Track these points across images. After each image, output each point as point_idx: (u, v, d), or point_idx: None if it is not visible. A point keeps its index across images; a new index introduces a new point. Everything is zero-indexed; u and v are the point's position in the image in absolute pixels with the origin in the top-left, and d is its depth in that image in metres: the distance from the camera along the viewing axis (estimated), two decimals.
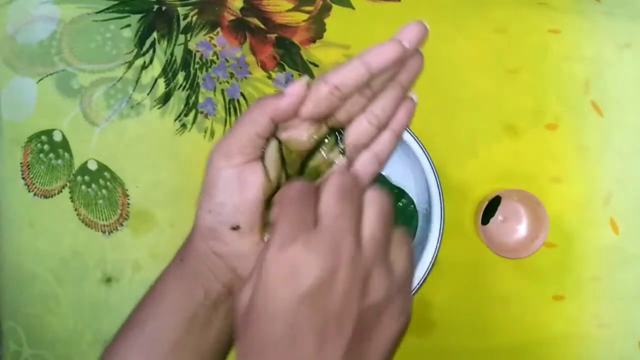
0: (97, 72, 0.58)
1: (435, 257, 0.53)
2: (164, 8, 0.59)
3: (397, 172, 0.57)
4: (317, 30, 0.59)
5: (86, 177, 0.58)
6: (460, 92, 0.59)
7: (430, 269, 0.53)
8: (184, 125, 0.59)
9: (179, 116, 0.59)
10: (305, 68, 0.59)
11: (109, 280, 0.58)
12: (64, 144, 0.58)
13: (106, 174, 0.58)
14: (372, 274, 0.26)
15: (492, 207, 0.58)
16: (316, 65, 0.59)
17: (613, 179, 0.60)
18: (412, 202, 0.57)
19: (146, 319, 0.31)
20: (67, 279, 0.58)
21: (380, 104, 0.30)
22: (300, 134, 0.30)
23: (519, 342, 0.59)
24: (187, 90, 0.59)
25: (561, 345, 0.59)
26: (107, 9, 0.59)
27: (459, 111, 0.59)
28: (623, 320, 0.59)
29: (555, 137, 0.60)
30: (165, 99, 0.59)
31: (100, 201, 0.58)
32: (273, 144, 0.30)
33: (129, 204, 0.58)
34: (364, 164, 0.31)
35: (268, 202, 0.30)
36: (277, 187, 0.31)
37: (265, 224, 0.30)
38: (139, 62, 0.59)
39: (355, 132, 0.31)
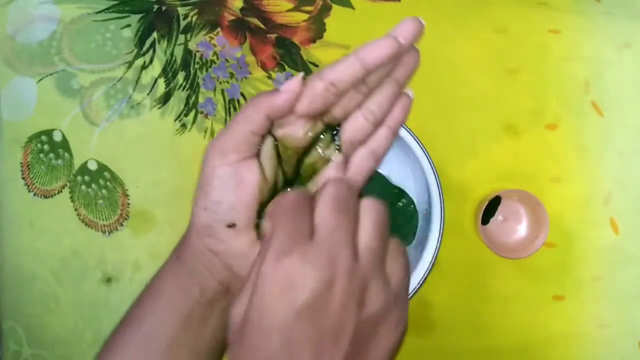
0: (97, 72, 0.58)
1: (435, 257, 0.53)
2: (164, 8, 0.59)
3: (397, 172, 0.57)
4: (317, 30, 0.59)
5: (86, 177, 0.58)
6: (460, 92, 0.59)
7: (430, 269, 0.53)
8: (184, 125, 0.59)
9: (179, 116, 0.59)
10: (305, 68, 0.59)
11: (109, 280, 0.58)
12: (64, 144, 0.58)
13: (106, 174, 0.58)
14: (368, 285, 0.25)
15: (492, 207, 0.58)
16: (316, 65, 0.59)
17: (613, 179, 0.60)
18: (412, 202, 0.57)
19: (143, 316, 0.31)
20: (67, 279, 0.58)
21: (376, 100, 0.30)
22: (296, 131, 0.30)
23: (519, 342, 0.59)
24: (187, 90, 0.59)
25: (561, 345, 0.59)
26: (107, 9, 0.59)
27: (459, 111, 0.59)
28: (623, 320, 0.59)
29: (555, 137, 0.60)
30: (165, 99, 0.59)
31: (100, 201, 0.58)
32: (269, 141, 0.30)
33: (129, 204, 0.58)
34: (360, 160, 0.31)
35: (264, 200, 0.30)
36: (274, 185, 0.31)
37: (260, 227, 0.30)
38: (139, 62, 0.59)
39: (351, 129, 0.31)
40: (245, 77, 0.59)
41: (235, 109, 0.59)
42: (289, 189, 0.31)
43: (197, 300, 0.31)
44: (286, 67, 0.59)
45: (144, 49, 0.59)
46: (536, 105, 0.60)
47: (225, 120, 0.59)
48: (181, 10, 0.59)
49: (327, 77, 0.28)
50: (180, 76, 0.59)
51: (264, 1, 0.59)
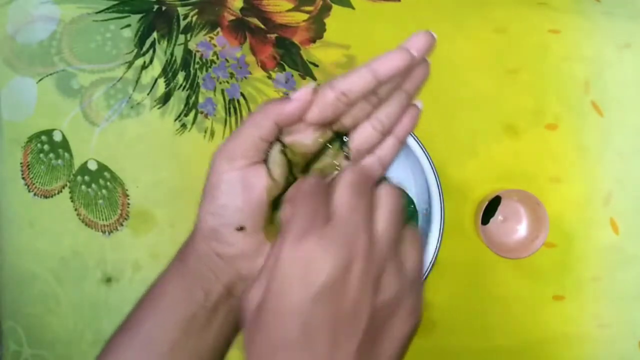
0: (97, 72, 0.58)
1: (435, 257, 0.53)
2: (164, 8, 0.59)
3: (397, 172, 0.57)
4: (317, 30, 0.59)
5: (86, 177, 0.58)
6: (460, 92, 0.59)
7: (430, 269, 0.53)
8: (184, 125, 0.59)
9: (179, 116, 0.59)
10: (305, 68, 0.59)
11: (109, 280, 0.58)
12: (64, 144, 0.58)
13: (106, 174, 0.58)
14: (384, 270, 0.26)
15: (492, 207, 0.58)
16: (316, 65, 0.59)
17: (613, 179, 0.60)
18: (412, 202, 0.57)
19: (145, 318, 0.31)
20: (67, 279, 0.58)
21: (385, 110, 0.31)
22: (305, 138, 0.30)
23: (519, 342, 0.59)
24: (187, 90, 0.59)
25: (561, 345, 0.59)
26: (107, 9, 0.59)
27: (459, 111, 0.59)
28: (623, 320, 0.59)
29: (555, 137, 0.60)
30: (165, 99, 0.59)
31: (100, 201, 0.58)
32: (277, 147, 0.30)
33: (129, 204, 0.58)
34: (367, 168, 0.32)
35: (274, 204, 0.30)
36: (283, 189, 0.31)
37: (272, 224, 0.30)
38: (139, 62, 0.59)
39: (360, 138, 0.31)
40: (245, 77, 0.59)
41: (235, 109, 0.59)
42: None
43: (201, 304, 0.31)
44: (286, 67, 0.59)
45: (144, 49, 0.59)
46: (536, 105, 0.60)
47: (225, 120, 0.59)
48: (181, 10, 0.59)
49: (339, 87, 0.29)
50: (180, 76, 0.59)
51: (264, 1, 0.59)
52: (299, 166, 0.31)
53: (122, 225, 0.58)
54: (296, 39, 0.59)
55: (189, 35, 0.59)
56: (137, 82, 0.59)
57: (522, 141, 0.59)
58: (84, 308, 0.58)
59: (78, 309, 0.58)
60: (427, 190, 0.54)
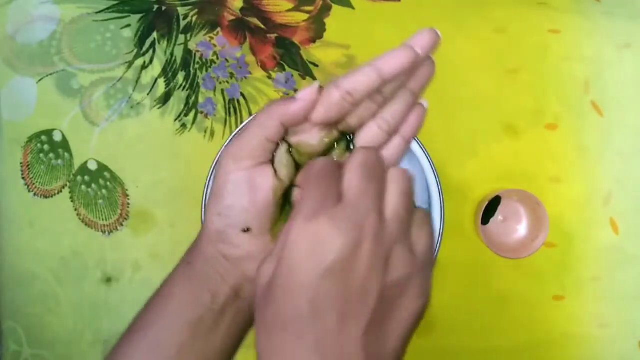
0: (97, 72, 0.58)
1: (435, 257, 0.53)
2: (164, 8, 0.59)
3: None
4: (317, 30, 0.59)
5: (86, 177, 0.58)
6: (460, 92, 0.59)
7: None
8: (184, 125, 0.59)
9: (179, 116, 0.59)
10: (305, 68, 0.59)
11: (109, 280, 0.58)
12: (64, 144, 0.58)
13: (106, 174, 0.58)
14: (394, 251, 0.26)
15: (492, 207, 0.58)
16: (316, 65, 0.59)
17: (613, 179, 0.60)
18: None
19: (152, 321, 0.31)
20: (67, 279, 0.58)
21: (390, 110, 0.31)
22: (311, 138, 0.30)
23: (519, 342, 0.59)
24: (187, 90, 0.59)
25: (561, 345, 0.59)
26: (107, 9, 0.59)
27: (459, 111, 0.59)
28: (623, 320, 0.59)
29: (555, 137, 0.60)
30: (165, 99, 0.59)
31: (100, 201, 0.58)
32: (283, 148, 0.30)
33: (129, 204, 0.58)
34: None
35: (281, 204, 0.30)
36: (290, 189, 0.31)
37: (278, 225, 0.30)
38: (139, 62, 0.59)
39: (365, 137, 0.31)
40: (245, 77, 0.59)
41: (235, 109, 0.59)
42: None
43: (208, 307, 0.31)
44: (286, 67, 0.59)
45: (144, 49, 0.59)
46: (536, 105, 0.60)
47: (225, 120, 0.59)
48: (181, 10, 0.59)
49: (344, 87, 0.29)
50: (180, 76, 0.59)
51: (264, 1, 0.59)
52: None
53: (122, 225, 0.58)
54: (296, 39, 0.59)
55: (189, 35, 0.59)
56: (137, 82, 0.59)
57: (522, 141, 0.59)
58: (84, 308, 0.58)
59: (78, 309, 0.58)
60: (427, 190, 0.54)
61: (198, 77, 0.59)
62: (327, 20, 0.59)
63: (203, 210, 0.52)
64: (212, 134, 0.59)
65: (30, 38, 0.58)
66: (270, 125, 0.29)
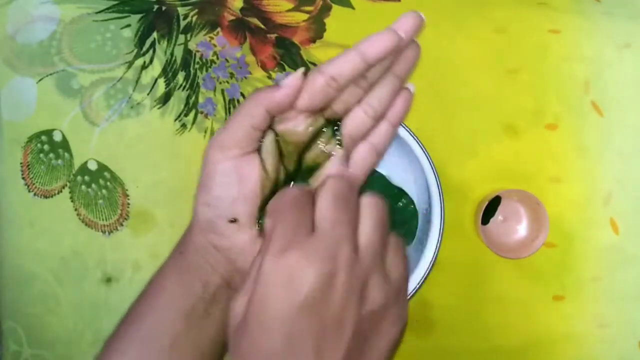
0: (97, 72, 0.58)
1: (435, 257, 0.53)
2: (164, 8, 0.59)
3: (397, 172, 0.57)
4: (317, 30, 0.59)
5: (86, 177, 0.58)
6: (460, 92, 0.59)
7: (430, 269, 0.53)
8: (184, 125, 0.59)
9: (179, 116, 0.59)
10: (305, 68, 0.59)
11: (109, 280, 0.58)
12: (64, 144, 0.58)
13: (106, 174, 0.58)
14: (369, 281, 0.26)
15: (492, 207, 0.58)
16: (316, 65, 0.59)
17: (613, 179, 0.60)
18: (412, 202, 0.57)
19: (145, 313, 0.31)
20: (67, 279, 0.58)
21: (376, 94, 0.30)
22: (297, 126, 0.30)
23: (519, 342, 0.59)
24: (187, 90, 0.59)
25: (561, 345, 0.59)
26: (107, 9, 0.59)
27: (459, 111, 0.59)
28: (623, 320, 0.59)
29: (555, 137, 0.60)
30: (165, 99, 0.59)
31: (100, 201, 0.58)
32: (270, 136, 0.30)
33: (129, 204, 0.58)
34: (361, 155, 0.31)
35: (266, 195, 0.30)
36: (275, 180, 0.31)
37: (262, 224, 0.30)
38: (139, 62, 0.59)
39: (351, 123, 0.31)
40: (245, 77, 0.59)
41: (235, 108, 0.59)
42: (291, 185, 0.31)
43: (199, 296, 0.31)
44: (286, 67, 0.59)
45: (144, 49, 0.59)
46: (536, 105, 0.60)
47: (225, 120, 0.59)
48: (181, 10, 0.59)
49: (328, 72, 0.28)
50: (180, 76, 0.59)
51: (264, 1, 0.59)
52: (291, 156, 0.31)
53: (122, 225, 0.58)
54: (296, 39, 0.59)
55: (189, 35, 0.59)
56: (137, 82, 0.59)
57: (522, 141, 0.59)
58: (84, 308, 0.58)
59: (78, 309, 0.58)
60: (427, 190, 0.54)
61: (198, 77, 0.59)
62: (327, 20, 0.59)
63: None
64: (212, 133, 0.59)
65: (30, 38, 0.58)
66: (256, 114, 0.29)
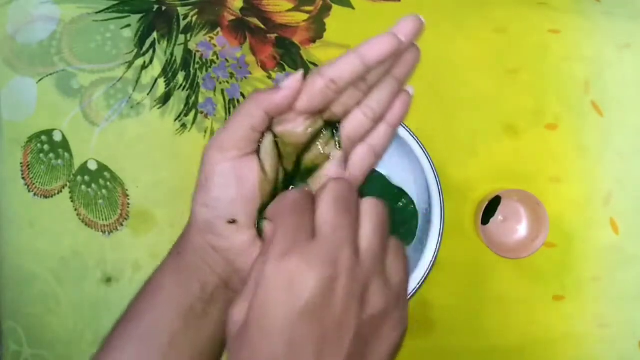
0: (97, 72, 0.58)
1: (435, 257, 0.53)
2: (164, 8, 0.59)
3: (397, 172, 0.57)
4: (317, 30, 0.59)
5: (86, 177, 0.58)
6: (460, 92, 0.59)
7: (430, 269, 0.53)
8: (184, 125, 0.59)
9: (179, 116, 0.59)
10: (305, 68, 0.59)
11: (109, 280, 0.58)
12: (64, 144, 0.58)
13: (106, 174, 0.58)
14: (370, 285, 0.26)
15: (492, 207, 0.58)
16: (316, 65, 0.59)
17: (613, 179, 0.60)
18: (412, 202, 0.57)
19: (144, 310, 0.31)
20: (67, 279, 0.58)
21: (375, 97, 0.30)
22: (296, 128, 0.30)
23: (519, 342, 0.59)
24: (187, 90, 0.59)
25: (561, 345, 0.59)
26: (107, 9, 0.59)
27: (459, 111, 0.59)
28: (623, 320, 0.59)
29: (555, 137, 0.60)
30: (165, 99, 0.59)
31: (100, 201, 0.58)
32: (268, 138, 0.30)
33: (129, 204, 0.58)
34: (360, 157, 0.31)
35: (265, 197, 0.30)
36: (274, 181, 0.31)
37: (260, 226, 0.30)
38: (139, 62, 0.59)
39: (350, 125, 0.31)
40: (245, 77, 0.59)
41: (235, 108, 0.59)
42: (290, 188, 0.31)
43: (197, 296, 0.31)
44: (286, 67, 0.59)
45: (144, 49, 0.59)
46: (536, 105, 0.60)
47: (225, 120, 0.59)
48: (181, 10, 0.59)
49: (327, 74, 0.28)
50: (180, 76, 0.59)
51: (264, 1, 0.59)
52: (290, 158, 0.31)
53: (122, 225, 0.58)
54: (296, 39, 0.59)
55: (189, 35, 0.59)
56: (137, 82, 0.59)
57: (522, 141, 0.59)
58: (84, 308, 0.58)
59: (78, 309, 0.58)
60: (427, 190, 0.54)
61: (198, 77, 0.59)
62: (327, 20, 0.59)
63: None
64: (212, 134, 0.59)
65: (30, 38, 0.58)
66: (255, 115, 0.29)
